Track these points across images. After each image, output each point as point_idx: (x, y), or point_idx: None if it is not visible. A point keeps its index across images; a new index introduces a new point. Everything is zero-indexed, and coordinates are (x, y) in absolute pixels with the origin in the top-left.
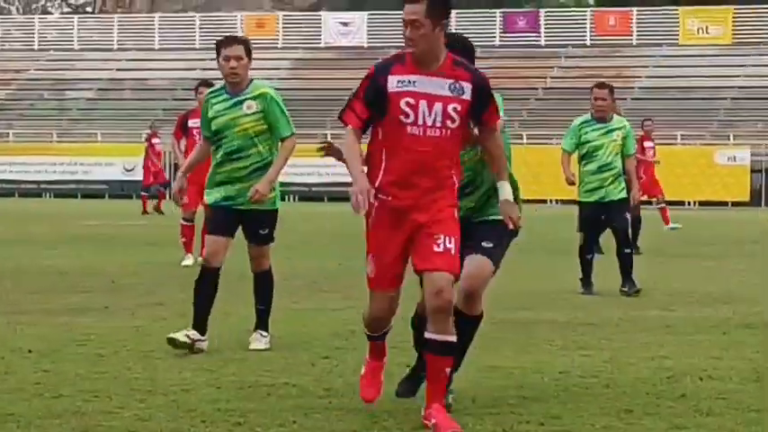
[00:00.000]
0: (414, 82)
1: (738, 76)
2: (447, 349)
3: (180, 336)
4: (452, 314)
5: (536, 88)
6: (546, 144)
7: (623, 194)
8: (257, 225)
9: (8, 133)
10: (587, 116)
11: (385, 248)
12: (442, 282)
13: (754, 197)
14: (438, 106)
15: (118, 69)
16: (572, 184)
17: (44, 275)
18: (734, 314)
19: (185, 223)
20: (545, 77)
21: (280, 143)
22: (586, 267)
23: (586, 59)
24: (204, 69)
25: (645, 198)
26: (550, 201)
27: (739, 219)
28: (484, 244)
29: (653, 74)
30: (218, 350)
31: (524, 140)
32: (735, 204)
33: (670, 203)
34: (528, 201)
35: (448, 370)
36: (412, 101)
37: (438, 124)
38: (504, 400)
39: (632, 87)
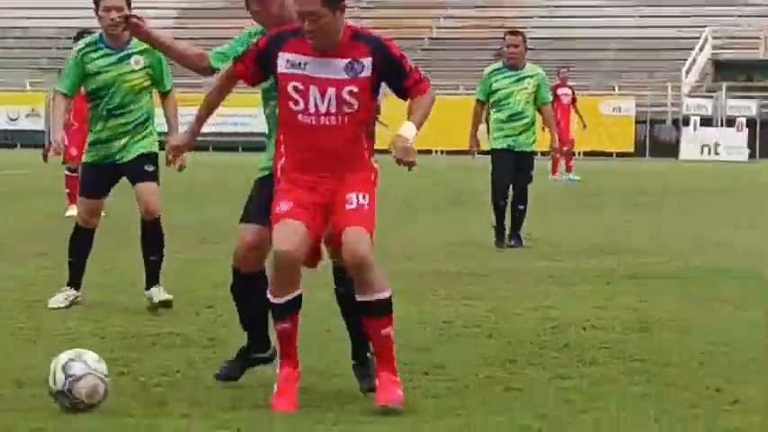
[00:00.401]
0: (305, 64)
1: (624, 26)
2: (382, 309)
3: (62, 302)
4: (375, 271)
5: (422, 38)
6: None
7: (533, 147)
8: (143, 164)
9: None
10: (499, 64)
11: (299, 195)
12: (353, 237)
13: (639, 148)
14: (331, 92)
15: (1, 17)
16: (474, 151)
17: None
18: (618, 265)
19: (70, 174)
20: (431, 27)
21: (160, 97)
22: (500, 215)
23: (473, 10)
24: (89, 18)
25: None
26: (436, 151)
27: (624, 169)
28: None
29: (539, 24)
30: (103, 301)
31: None
32: (620, 155)
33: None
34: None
35: (389, 331)
36: (300, 86)
37: (333, 111)
38: None
39: None
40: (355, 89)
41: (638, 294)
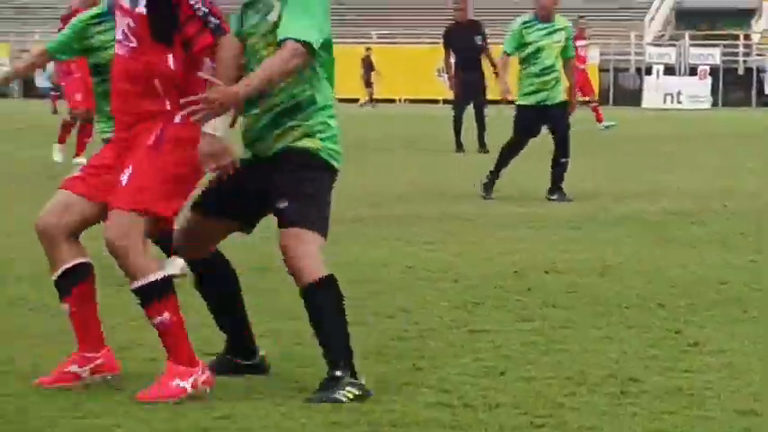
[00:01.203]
0: None
1: None
2: (146, 296)
3: None
4: (131, 257)
5: None
6: (395, 44)
7: (563, 97)
8: None
9: None
10: (529, 16)
11: (103, 156)
12: (108, 221)
13: (603, 96)
14: (122, 21)
15: None
16: (506, 95)
17: None
18: (582, 210)
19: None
20: None
21: None
22: (502, 166)
23: None
24: None
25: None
26: (399, 100)
27: (589, 117)
28: (278, 205)
29: None
30: None
31: (373, 39)
32: (584, 103)
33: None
34: (380, 100)
35: (164, 318)
36: (119, 13)
37: (122, 40)
38: (352, 294)
39: None
40: (132, 23)
41: (600, 239)
